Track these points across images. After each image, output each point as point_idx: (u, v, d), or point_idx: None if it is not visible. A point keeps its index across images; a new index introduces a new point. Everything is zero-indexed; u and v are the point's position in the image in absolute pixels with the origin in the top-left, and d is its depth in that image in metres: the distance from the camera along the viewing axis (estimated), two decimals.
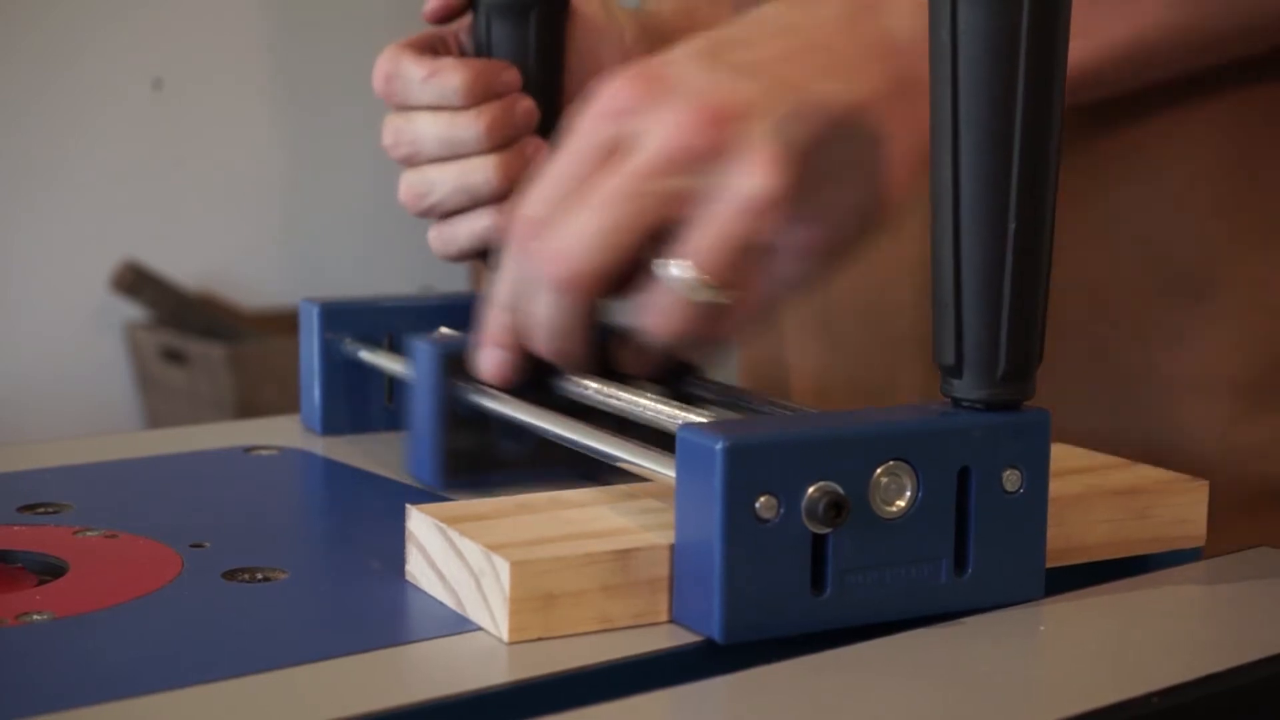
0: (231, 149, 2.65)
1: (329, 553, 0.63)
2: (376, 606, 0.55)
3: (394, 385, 0.78)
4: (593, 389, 0.66)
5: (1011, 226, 0.52)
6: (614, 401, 0.64)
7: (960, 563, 0.54)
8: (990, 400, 0.53)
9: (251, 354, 2.38)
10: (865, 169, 0.61)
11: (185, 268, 2.57)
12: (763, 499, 0.50)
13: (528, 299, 0.63)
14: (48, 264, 2.52)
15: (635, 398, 0.63)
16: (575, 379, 0.66)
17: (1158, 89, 0.73)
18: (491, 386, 0.67)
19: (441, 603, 0.55)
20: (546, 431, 0.64)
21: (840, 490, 0.51)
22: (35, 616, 0.53)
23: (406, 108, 0.75)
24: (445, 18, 0.78)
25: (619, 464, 0.58)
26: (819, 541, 0.51)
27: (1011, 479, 0.54)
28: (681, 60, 0.61)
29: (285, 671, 0.49)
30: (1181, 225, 0.74)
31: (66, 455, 0.75)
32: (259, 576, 0.57)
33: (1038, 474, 0.54)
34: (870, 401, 0.81)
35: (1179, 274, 0.74)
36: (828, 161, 0.60)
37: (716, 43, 0.62)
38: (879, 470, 0.52)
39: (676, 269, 0.59)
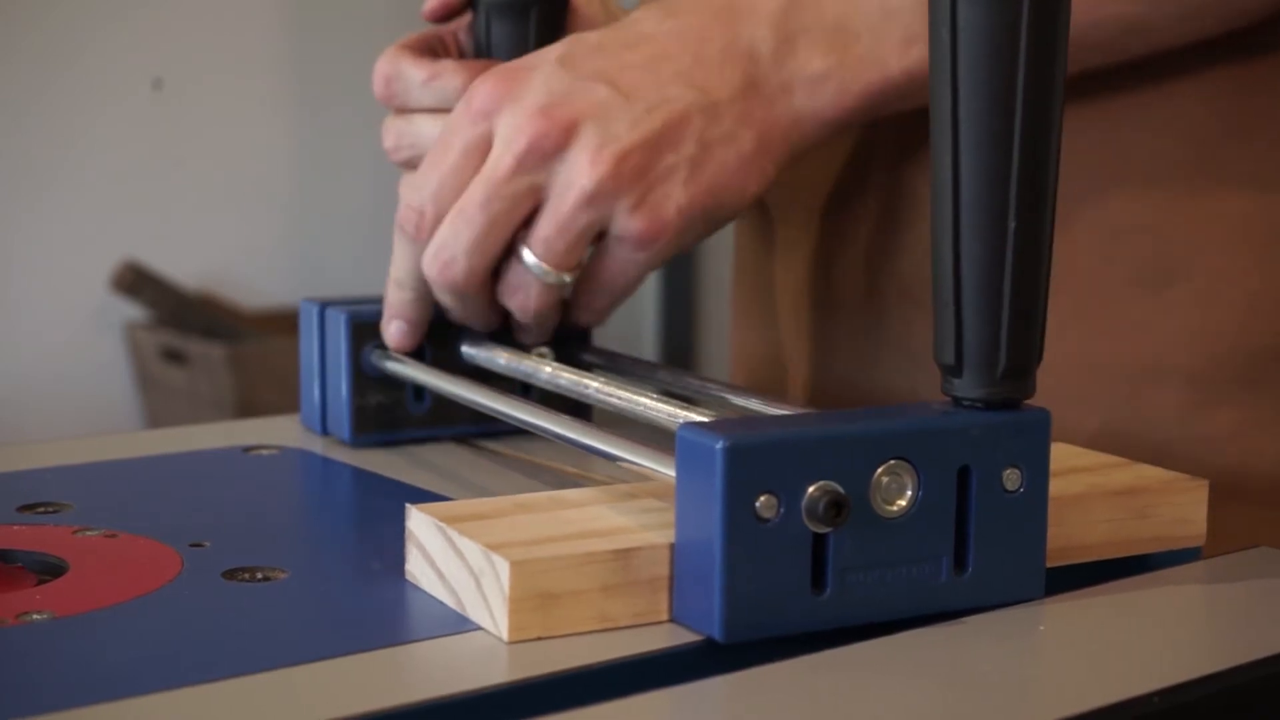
0: (232, 149, 2.65)
1: (329, 553, 0.63)
2: (376, 606, 0.55)
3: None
4: (593, 388, 0.66)
5: (1011, 225, 0.52)
6: (614, 400, 0.65)
7: (960, 562, 0.54)
8: (990, 399, 0.53)
9: (251, 354, 2.38)
10: (707, 167, 0.68)
11: (185, 268, 2.57)
12: (763, 498, 0.50)
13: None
14: (48, 264, 2.51)
15: (635, 396, 0.63)
16: (482, 346, 0.74)
17: (1118, 81, 0.73)
18: (398, 352, 0.75)
19: (441, 602, 0.55)
20: (482, 405, 0.69)
21: (841, 489, 0.51)
22: (35, 616, 0.53)
23: (407, 110, 0.75)
24: (445, 17, 0.78)
25: (620, 463, 0.58)
26: (819, 541, 0.51)
27: (1012, 478, 0.54)
28: (540, 64, 0.68)
29: (285, 671, 0.49)
30: (1141, 216, 0.74)
31: (66, 455, 0.75)
32: (259, 576, 0.57)
33: (1038, 473, 0.54)
34: (862, 402, 0.81)
35: (1139, 264, 0.74)
36: (662, 161, 0.67)
37: (575, 49, 0.69)
38: (879, 469, 0.52)
39: (527, 255, 0.69)
